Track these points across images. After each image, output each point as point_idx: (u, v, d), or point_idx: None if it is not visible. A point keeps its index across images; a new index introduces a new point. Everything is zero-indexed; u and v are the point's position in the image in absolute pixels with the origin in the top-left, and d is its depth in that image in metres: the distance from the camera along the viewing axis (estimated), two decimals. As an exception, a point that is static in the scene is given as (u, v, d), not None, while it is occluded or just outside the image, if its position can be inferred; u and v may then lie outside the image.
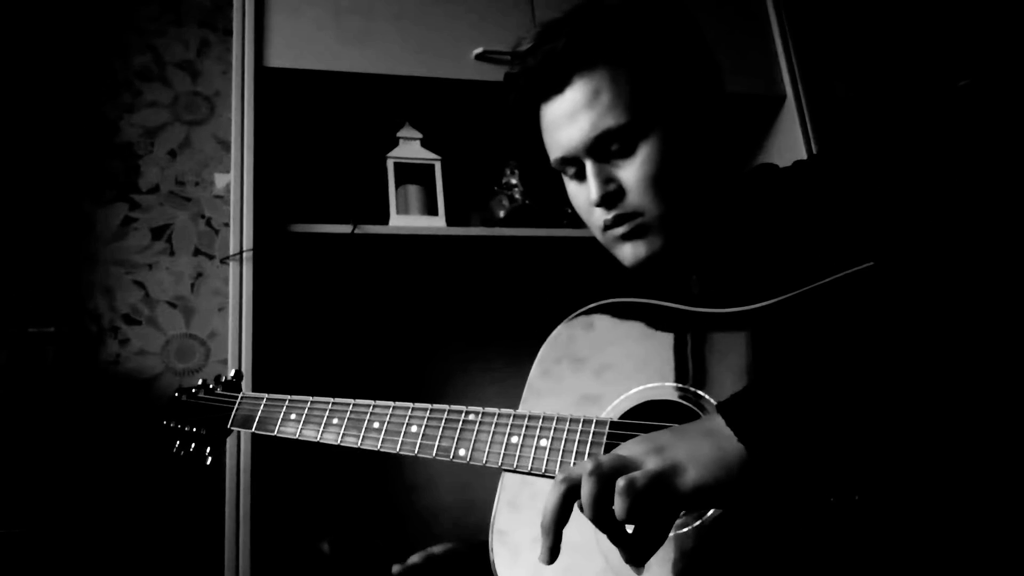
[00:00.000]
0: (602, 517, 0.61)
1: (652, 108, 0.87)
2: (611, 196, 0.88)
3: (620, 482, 0.60)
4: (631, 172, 0.87)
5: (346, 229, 1.55)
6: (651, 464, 0.62)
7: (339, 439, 0.95)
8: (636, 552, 0.63)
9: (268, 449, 1.37)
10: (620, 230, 0.89)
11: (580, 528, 0.78)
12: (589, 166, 0.88)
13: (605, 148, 0.87)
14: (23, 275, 1.71)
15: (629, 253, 0.90)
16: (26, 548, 1.52)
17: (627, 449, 0.65)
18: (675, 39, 0.90)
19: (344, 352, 1.81)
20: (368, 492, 1.73)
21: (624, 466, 0.62)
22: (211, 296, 1.83)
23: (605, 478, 0.61)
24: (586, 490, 0.61)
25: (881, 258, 0.72)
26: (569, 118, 0.88)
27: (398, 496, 1.76)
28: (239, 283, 1.44)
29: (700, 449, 0.63)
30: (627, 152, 0.87)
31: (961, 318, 0.63)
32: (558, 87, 0.88)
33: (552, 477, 0.80)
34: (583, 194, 0.91)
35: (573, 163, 0.91)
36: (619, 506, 0.60)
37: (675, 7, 0.92)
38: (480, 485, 1.09)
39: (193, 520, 1.65)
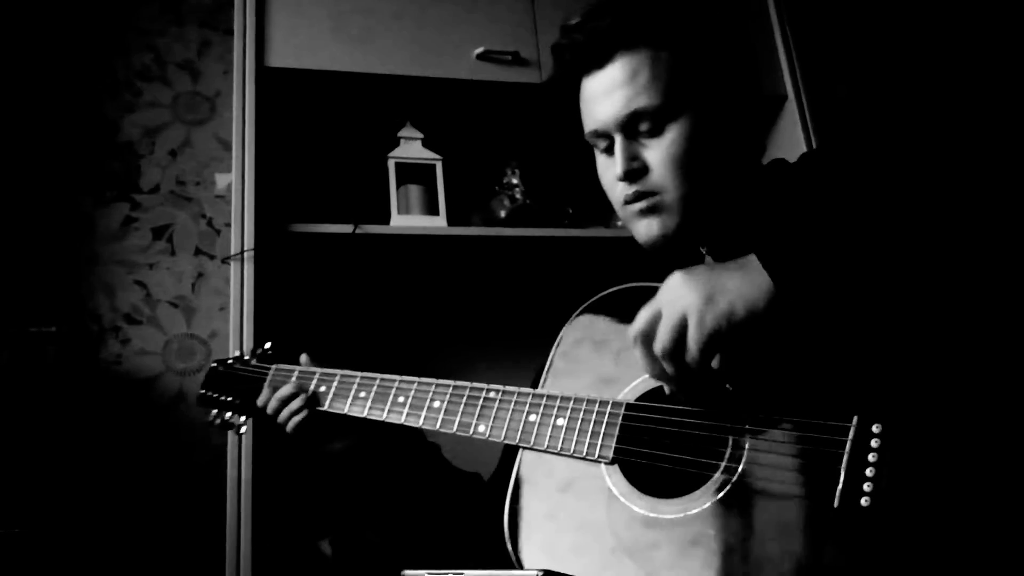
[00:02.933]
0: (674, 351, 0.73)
1: (686, 93, 0.90)
2: (635, 172, 0.91)
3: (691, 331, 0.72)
4: (657, 152, 0.90)
5: (347, 229, 1.55)
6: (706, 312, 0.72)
7: (366, 411, 0.99)
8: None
9: (269, 448, 1.37)
10: (638, 206, 0.92)
11: (591, 506, 0.79)
12: (618, 141, 0.92)
13: (635, 126, 0.91)
14: (24, 275, 1.71)
15: (643, 230, 0.93)
16: (26, 548, 1.52)
17: (674, 289, 0.75)
18: (716, 30, 0.94)
19: (345, 352, 1.80)
20: (368, 491, 1.73)
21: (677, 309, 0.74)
22: (212, 296, 1.83)
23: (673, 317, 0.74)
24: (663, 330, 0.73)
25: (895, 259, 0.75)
26: (606, 93, 0.91)
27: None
28: (240, 283, 1.44)
29: (738, 284, 0.72)
30: (656, 132, 0.90)
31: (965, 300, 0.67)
32: (600, 62, 0.92)
33: (567, 455, 0.84)
34: (611, 168, 0.95)
35: (605, 137, 0.94)
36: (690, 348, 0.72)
37: (717, 4, 0.96)
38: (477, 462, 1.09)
39: (194, 519, 1.65)
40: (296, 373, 1.07)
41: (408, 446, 1.07)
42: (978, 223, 0.70)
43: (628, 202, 0.92)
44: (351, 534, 1.49)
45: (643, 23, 0.90)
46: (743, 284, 0.71)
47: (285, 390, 1.04)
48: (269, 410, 1.05)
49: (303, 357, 1.10)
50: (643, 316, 0.75)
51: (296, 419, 1.03)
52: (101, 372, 1.71)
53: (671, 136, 0.89)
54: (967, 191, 0.73)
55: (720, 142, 0.92)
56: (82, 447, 1.64)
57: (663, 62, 0.89)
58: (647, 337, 0.75)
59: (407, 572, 0.79)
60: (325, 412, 1.02)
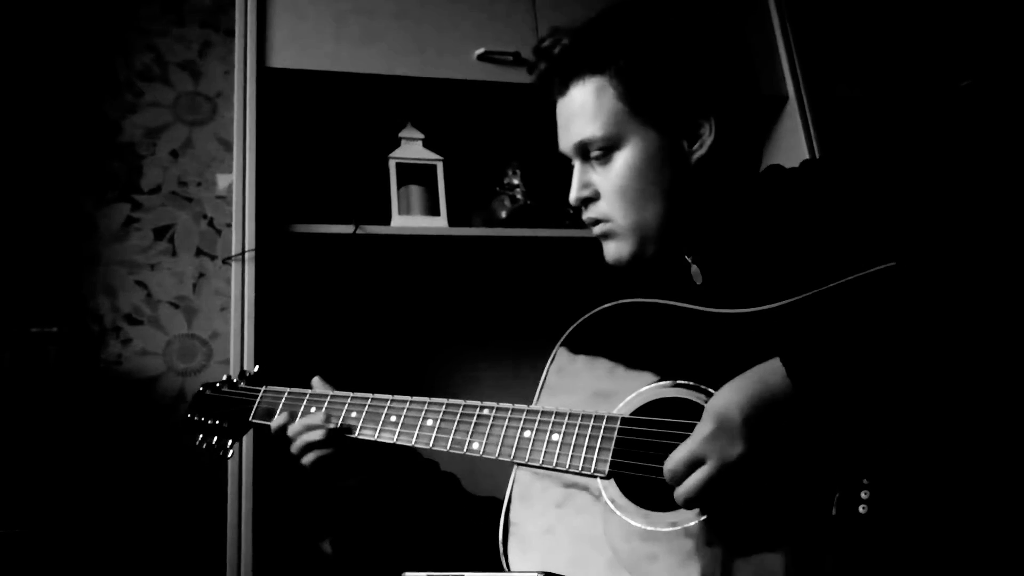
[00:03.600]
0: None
1: (633, 121, 0.90)
2: (585, 200, 0.95)
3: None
4: (605, 181, 0.93)
5: (348, 229, 1.55)
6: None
7: (357, 431, 0.98)
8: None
9: (270, 449, 1.37)
10: (596, 230, 0.96)
11: (589, 520, 0.80)
12: (576, 166, 0.95)
13: (587, 153, 0.93)
14: (26, 275, 1.71)
15: (605, 251, 0.96)
16: (26, 548, 1.52)
17: (727, 447, 0.72)
18: (672, 52, 0.91)
19: (346, 353, 1.81)
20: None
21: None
22: (213, 296, 1.84)
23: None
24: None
25: (900, 258, 0.74)
26: (565, 122, 0.95)
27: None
28: (241, 283, 1.44)
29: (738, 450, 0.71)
30: (604, 160, 0.92)
31: (973, 315, 0.66)
32: (561, 90, 0.95)
33: (563, 471, 0.84)
34: None
35: (570, 160, 0.97)
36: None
37: (679, 18, 0.93)
38: (481, 483, 1.09)
39: (195, 519, 1.66)
40: (286, 394, 1.05)
41: (422, 478, 1.05)
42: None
43: (588, 225, 0.96)
44: (351, 533, 1.49)
45: (589, 52, 0.91)
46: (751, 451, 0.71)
47: (310, 419, 1.00)
48: (291, 434, 1.01)
49: (316, 380, 1.06)
50: (684, 457, 0.73)
51: (316, 453, 0.99)
52: (102, 372, 1.72)
53: (617, 165, 0.91)
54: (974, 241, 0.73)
55: (683, 161, 0.90)
56: (83, 447, 1.64)
57: (608, 91, 0.90)
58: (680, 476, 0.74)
59: (408, 575, 0.79)
60: (347, 442, 0.99)
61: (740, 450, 0.70)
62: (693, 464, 0.72)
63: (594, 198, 0.94)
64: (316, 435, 0.98)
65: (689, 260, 0.97)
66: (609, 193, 0.92)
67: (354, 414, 0.99)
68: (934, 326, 0.67)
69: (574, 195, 0.95)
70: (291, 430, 1.01)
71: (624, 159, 0.90)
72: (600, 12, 0.95)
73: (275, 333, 1.52)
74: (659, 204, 0.91)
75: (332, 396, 1.02)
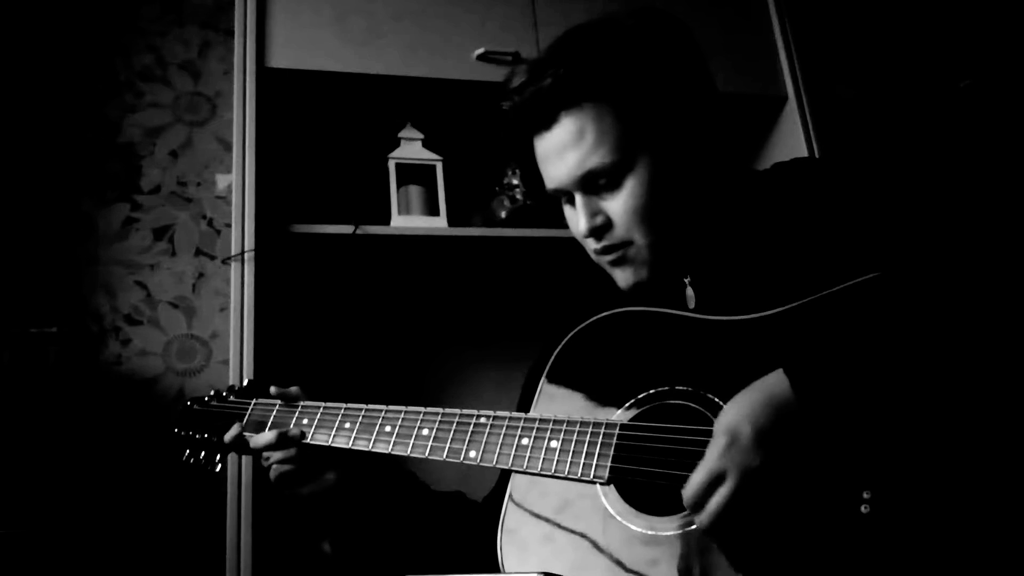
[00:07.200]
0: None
1: (638, 141, 0.88)
2: (599, 228, 0.91)
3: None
4: (618, 205, 0.89)
5: (348, 230, 1.55)
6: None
7: (351, 442, 0.97)
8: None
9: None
10: (609, 258, 0.92)
11: (588, 526, 0.80)
12: (578, 199, 0.91)
13: (593, 183, 0.90)
14: (25, 275, 1.71)
15: (620, 278, 0.94)
16: (26, 548, 1.52)
17: (746, 455, 0.70)
18: (661, 70, 0.89)
19: (346, 353, 1.81)
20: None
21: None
22: (213, 296, 1.84)
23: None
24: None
25: (886, 267, 0.74)
26: (557, 155, 0.90)
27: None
28: (241, 283, 1.44)
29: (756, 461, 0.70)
30: (614, 186, 0.89)
31: (965, 322, 0.67)
32: (546, 124, 0.91)
33: (562, 477, 0.83)
34: (576, 220, 0.94)
35: (565, 193, 0.94)
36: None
37: (661, 35, 0.91)
38: (479, 483, 1.09)
39: (194, 519, 1.65)
40: (277, 406, 1.04)
41: (386, 480, 1.04)
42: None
43: (599, 254, 0.93)
44: (351, 533, 1.49)
45: (582, 79, 0.87)
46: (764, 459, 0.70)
47: (266, 437, 1.00)
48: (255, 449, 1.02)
49: (273, 389, 1.05)
50: (703, 477, 0.72)
51: (281, 468, 1.00)
52: (102, 373, 1.71)
53: (629, 188, 0.88)
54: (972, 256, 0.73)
55: (683, 176, 0.90)
56: (83, 448, 1.64)
57: (609, 116, 0.87)
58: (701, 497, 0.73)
59: None
60: (307, 450, 0.99)
61: (759, 459, 0.69)
62: (713, 482, 0.70)
63: (607, 226, 0.90)
64: (278, 455, 1.00)
65: (687, 282, 0.96)
66: (624, 216, 0.89)
67: (347, 424, 0.98)
68: (923, 333, 0.68)
69: (585, 225, 0.90)
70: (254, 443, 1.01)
71: (637, 180, 0.88)
72: (569, 35, 0.91)
73: (275, 333, 1.52)
74: (673, 219, 0.90)
75: (325, 407, 1.01)
